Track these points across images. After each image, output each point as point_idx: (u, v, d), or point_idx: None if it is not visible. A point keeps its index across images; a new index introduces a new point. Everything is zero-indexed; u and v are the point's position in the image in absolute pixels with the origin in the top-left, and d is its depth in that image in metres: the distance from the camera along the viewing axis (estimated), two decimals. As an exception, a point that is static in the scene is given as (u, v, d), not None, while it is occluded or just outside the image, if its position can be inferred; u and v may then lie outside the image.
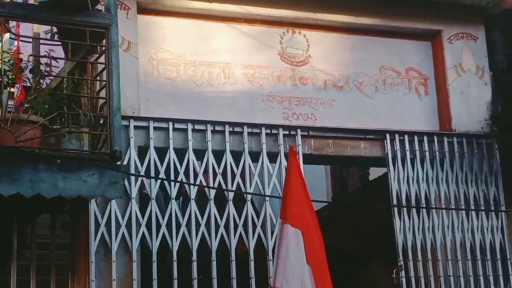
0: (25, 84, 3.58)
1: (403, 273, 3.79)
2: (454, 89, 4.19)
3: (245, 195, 3.56)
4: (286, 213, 3.01)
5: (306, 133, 3.78)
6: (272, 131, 3.67)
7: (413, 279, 3.78)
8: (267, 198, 3.51)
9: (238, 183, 3.52)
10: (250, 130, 3.59)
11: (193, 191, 3.55)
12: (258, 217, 3.53)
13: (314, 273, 2.97)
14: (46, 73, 3.64)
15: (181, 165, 3.45)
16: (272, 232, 3.41)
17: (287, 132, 3.63)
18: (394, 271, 3.92)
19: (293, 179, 3.12)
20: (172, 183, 3.45)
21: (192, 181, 3.51)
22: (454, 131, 4.12)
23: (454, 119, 4.15)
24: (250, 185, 3.53)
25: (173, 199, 3.46)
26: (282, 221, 2.99)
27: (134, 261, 3.25)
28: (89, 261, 3.28)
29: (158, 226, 3.27)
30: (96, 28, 3.17)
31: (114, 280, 3.21)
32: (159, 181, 3.50)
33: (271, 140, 3.67)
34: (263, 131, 3.61)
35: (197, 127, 3.53)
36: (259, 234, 3.44)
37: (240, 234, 3.43)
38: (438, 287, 3.78)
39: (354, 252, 5.92)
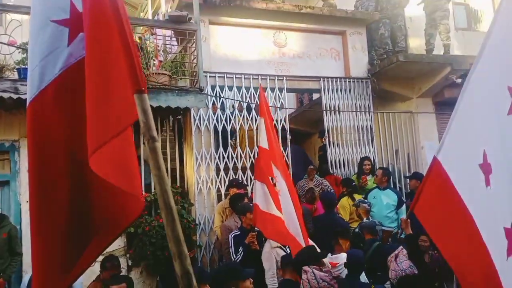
0: (161, 57, 6.63)
1: (327, 140, 7.19)
2: (351, 57, 7.38)
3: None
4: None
5: (285, 78, 6.79)
6: (271, 77, 6.78)
7: (332, 143, 7.26)
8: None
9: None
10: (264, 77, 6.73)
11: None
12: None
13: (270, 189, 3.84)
14: (169, 52, 6.80)
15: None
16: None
17: (278, 76, 6.83)
18: (323, 138, 7.43)
19: (264, 112, 4.20)
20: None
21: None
22: (351, 76, 7.33)
23: (351, 70, 7.37)
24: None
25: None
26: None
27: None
28: (192, 142, 6.39)
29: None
30: (190, 30, 5.82)
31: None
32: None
33: (272, 80, 6.77)
34: (268, 77, 6.76)
35: (237, 76, 6.53)
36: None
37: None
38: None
39: (306, 131, 9.34)
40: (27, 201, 4.87)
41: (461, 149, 2.48)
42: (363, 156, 7.05)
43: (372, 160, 7.04)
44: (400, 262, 3.21)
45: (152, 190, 5.68)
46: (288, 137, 6.71)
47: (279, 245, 4.30)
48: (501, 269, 2.11)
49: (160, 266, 5.22)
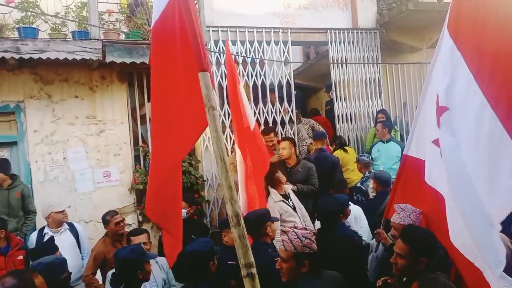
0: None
1: (334, 94, 7.05)
2: (359, 6, 7.09)
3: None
4: None
5: (290, 30, 6.60)
6: (275, 30, 6.51)
7: (339, 97, 7.05)
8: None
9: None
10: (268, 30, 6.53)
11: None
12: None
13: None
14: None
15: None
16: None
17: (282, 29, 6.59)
18: (330, 92, 7.38)
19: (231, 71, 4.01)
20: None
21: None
22: (359, 27, 7.12)
23: (359, 21, 7.11)
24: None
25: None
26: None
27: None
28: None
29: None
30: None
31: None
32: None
33: (277, 33, 6.53)
34: (272, 30, 6.50)
35: (241, 30, 6.29)
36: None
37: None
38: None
39: (313, 86, 9.24)
40: (36, 161, 5.00)
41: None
42: (379, 109, 7.01)
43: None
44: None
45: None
46: (293, 92, 6.60)
47: (282, 199, 4.37)
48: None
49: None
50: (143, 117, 5.81)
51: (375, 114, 7.06)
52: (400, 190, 3.17)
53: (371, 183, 5.03)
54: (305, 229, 2.57)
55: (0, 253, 3.97)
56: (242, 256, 1.70)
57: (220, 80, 6.21)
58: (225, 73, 6.09)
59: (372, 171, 5.47)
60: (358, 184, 5.40)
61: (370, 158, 5.76)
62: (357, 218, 4.35)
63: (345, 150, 6.36)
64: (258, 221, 3.17)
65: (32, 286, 1.70)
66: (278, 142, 5.43)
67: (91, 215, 5.24)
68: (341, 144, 6.53)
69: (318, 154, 5.63)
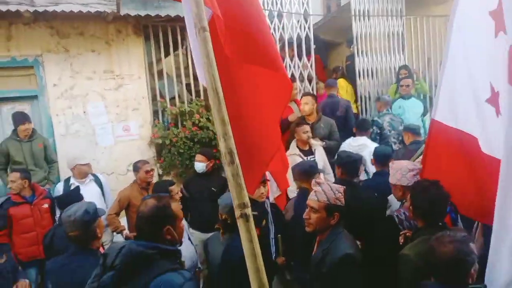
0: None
1: (355, 48, 6.91)
2: None
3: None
4: None
5: None
6: None
7: (361, 51, 6.89)
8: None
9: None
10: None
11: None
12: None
13: None
14: None
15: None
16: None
17: None
18: (351, 47, 7.10)
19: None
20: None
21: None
22: None
23: None
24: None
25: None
26: None
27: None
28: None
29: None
30: None
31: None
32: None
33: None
34: None
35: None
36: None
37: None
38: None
39: (333, 41, 8.85)
40: (57, 115, 5.07)
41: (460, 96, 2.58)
42: (401, 65, 6.81)
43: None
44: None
45: (177, 103, 5.73)
46: (312, 46, 6.42)
47: (297, 152, 4.38)
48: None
49: (188, 174, 5.44)
50: (160, 72, 5.76)
51: (397, 70, 6.86)
52: (430, 159, 2.86)
53: (387, 118, 5.62)
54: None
55: (26, 201, 4.12)
56: (236, 196, 1.59)
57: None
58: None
59: (390, 110, 5.88)
60: (376, 118, 5.72)
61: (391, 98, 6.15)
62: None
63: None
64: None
65: (169, 209, 1.83)
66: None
67: (112, 168, 5.36)
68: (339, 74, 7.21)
69: (330, 99, 5.79)
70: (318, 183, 2.52)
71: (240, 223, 1.61)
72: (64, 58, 5.17)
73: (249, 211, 1.62)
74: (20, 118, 4.62)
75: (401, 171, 2.94)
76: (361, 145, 4.85)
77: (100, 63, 5.32)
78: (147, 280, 1.64)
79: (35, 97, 5.15)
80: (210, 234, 3.90)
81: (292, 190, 4.39)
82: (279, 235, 3.36)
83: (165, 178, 5.47)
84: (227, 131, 1.58)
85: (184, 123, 5.63)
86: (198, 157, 4.52)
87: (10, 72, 5.06)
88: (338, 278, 2.24)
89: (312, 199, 2.45)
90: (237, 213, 1.59)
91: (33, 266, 4.15)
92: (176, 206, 1.89)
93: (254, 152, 2.56)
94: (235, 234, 2.71)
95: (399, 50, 7.03)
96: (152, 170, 4.49)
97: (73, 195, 3.56)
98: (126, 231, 4.27)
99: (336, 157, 3.99)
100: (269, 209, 3.67)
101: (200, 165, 4.43)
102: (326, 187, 2.47)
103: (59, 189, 4.45)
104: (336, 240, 2.37)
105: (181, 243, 1.92)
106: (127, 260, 1.68)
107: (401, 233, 2.76)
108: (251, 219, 1.59)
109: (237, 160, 1.61)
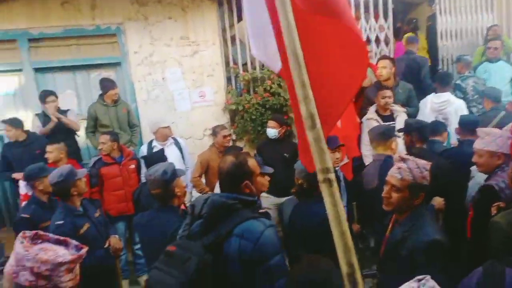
0: None
1: (437, 7, 6.30)
2: None
3: None
4: None
5: None
6: None
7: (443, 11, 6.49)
8: None
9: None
10: None
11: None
12: None
13: None
14: None
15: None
16: None
17: None
18: (433, 6, 6.53)
19: None
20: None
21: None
22: None
23: None
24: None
25: None
26: None
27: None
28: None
29: None
30: None
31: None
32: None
33: None
34: None
35: None
36: None
37: None
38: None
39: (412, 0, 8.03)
40: (139, 81, 5.32)
41: None
42: (490, 25, 6.26)
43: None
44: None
45: (249, 69, 5.74)
46: (391, 6, 6.03)
47: (374, 117, 4.27)
48: None
49: (260, 140, 5.51)
50: (233, 38, 5.78)
51: (484, 31, 6.29)
52: None
53: (471, 81, 5.24)
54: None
55: (115, 162, 4.45)
56: (318, 161, 1.54)
57: None
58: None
59: (472, 72, 5.54)
60: (458, 81, 5.33)
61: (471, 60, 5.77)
62: (457, 111, 4.40)
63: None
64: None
65: (245, 165, 1.92)
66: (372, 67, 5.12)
67: (189, 132, 5.57)
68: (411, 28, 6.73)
69: (407, 55, 5.61)
70: (403, 159, 2.29)
71: (323, 188, 1.59)
72: (143, 26, 5.34)
73: (332, 176, 1.58)
74: (108, 84, 4.90)
75: (491, 136, 2.75)
76: (445, 102, 4.58)
77: (177, 30, 5.42)
78: (231, 227, 1.77)
79: (118, 64, 5.43)
80: (284, 199, 4.04)
81: (367, 155, 4.33)
82: (354, 203, 3.32)
83: (238, 143, 5.59)
84: (308, 94, 1.54)
85: (256, 89, 5.65)
86: (270, 123, 4.56)
87: (95, 40, 5.35)
88: (422, 264, 2.04)
89: (394, 176, 2.22)
90: (320, 177, 1.56)
91: (122, 221, 4.52)
92: (253, 162, 1.98)
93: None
94: (311, 199, 2.76)
95: (487, 9, 6.41)
96: (229, 135, 4.67)
97: (158, 156, 3.81)
98: (209, 194, 4.47)
99: (404, 124, 3.82)
100: (341, 176, 3.66)
101: (272, 131, 4.49)
102: (412, 164, 2.23)
103: (143, 151, 4.74)
104: (420, 222, 2.17)
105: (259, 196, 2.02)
106: (212, 210, 1.82)
107: (493, 204, 2.61)
108: (335, 184, 1.56)
109: (318, 124, 1.57)
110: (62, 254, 1.31)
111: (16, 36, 5.09)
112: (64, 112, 4.94)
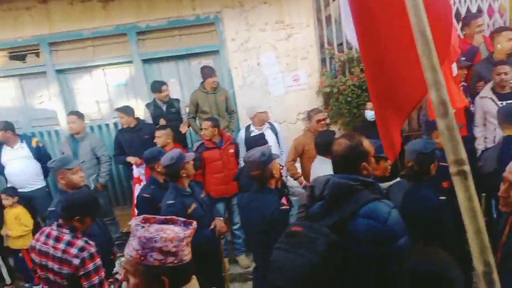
0: None
1: None
2: None
3: None
4: None
5: None
6: None
7: None
8: None
9: None
10: None
11: None
12: None
13: None
14: None
15: None
16: None
17: None
18: None
19: None
20: None
21: None
22: None
23: None
24: None
25: None
26: None
27: None
28: None
29: None
30: None
31: None
32: None
33: None
34: None
35: None
36: None
37: None
38: None
39: None
40: (235, 67, 5.47)
41: None
42: None
43: None
44: None
45: (345, 50, 5.56)
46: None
47: (489, 95, 4.00)
48: None
49: (355, 123, 5.34)
50: (328, 18, 5.62)
51: None
52: None
53: None
54: None
55: (216, 146, 4.67)
56: (451, 151, 1.39)
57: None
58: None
59: None
60: None
61: None
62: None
63: None
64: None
65: (361, 146, 1.94)
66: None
67: (283, 117, 5.60)
68: None
69: None
70: None
71: (456, 181, 1.44)
72: (239, 12, 5.42)
73: (467, 168, 1.43)
74: (208, 72, 5.12)
75: None
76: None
77: (271, 14, 5.42)
78: (355, 208, 1.76)
79: (216, 51, 5.62)
80: (389, 183, 3.88)
81: (479, 137, 4.03)
82: (483, 194, 3.04)
83: (332, 127, 5.48)
84: (439, 79, 1.38)
85: (352, 70, 5.44)
86: (369, 104, 4.38)
87: (195, 30, 5.58)
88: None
89: None
90: (453, 170, 1.41)
91: (221, 202, 4.76)
92: (367, 143, 1.96)
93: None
94: (421, 182, 2.66)
95: None
96: (324, 119, 4.59)
97: (259, 139, 3.96)
98: (301, 178, 4.49)
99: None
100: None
101: (371, 113, 4.34)
102: None
103: (241, 136, 4.90)
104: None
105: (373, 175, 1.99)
106: (334, 191, 1.81)
107: None
108: (470, 176, 1.41)
109: (451, 112, 1.40)
110: (177, 230, 1.37)
111: (126, 30, 5.52)
112: (174, 101, 5.35)
